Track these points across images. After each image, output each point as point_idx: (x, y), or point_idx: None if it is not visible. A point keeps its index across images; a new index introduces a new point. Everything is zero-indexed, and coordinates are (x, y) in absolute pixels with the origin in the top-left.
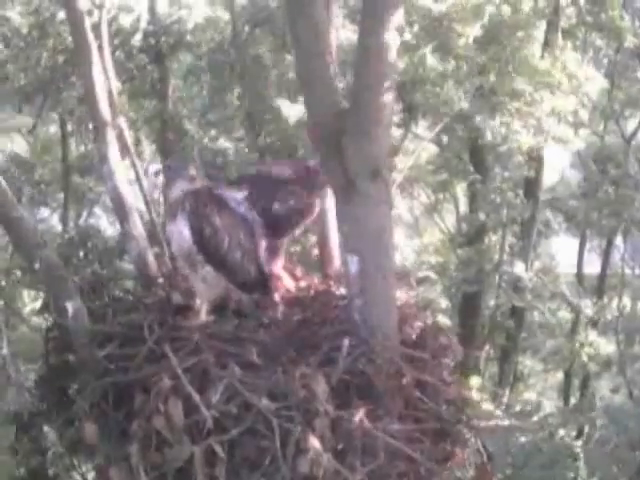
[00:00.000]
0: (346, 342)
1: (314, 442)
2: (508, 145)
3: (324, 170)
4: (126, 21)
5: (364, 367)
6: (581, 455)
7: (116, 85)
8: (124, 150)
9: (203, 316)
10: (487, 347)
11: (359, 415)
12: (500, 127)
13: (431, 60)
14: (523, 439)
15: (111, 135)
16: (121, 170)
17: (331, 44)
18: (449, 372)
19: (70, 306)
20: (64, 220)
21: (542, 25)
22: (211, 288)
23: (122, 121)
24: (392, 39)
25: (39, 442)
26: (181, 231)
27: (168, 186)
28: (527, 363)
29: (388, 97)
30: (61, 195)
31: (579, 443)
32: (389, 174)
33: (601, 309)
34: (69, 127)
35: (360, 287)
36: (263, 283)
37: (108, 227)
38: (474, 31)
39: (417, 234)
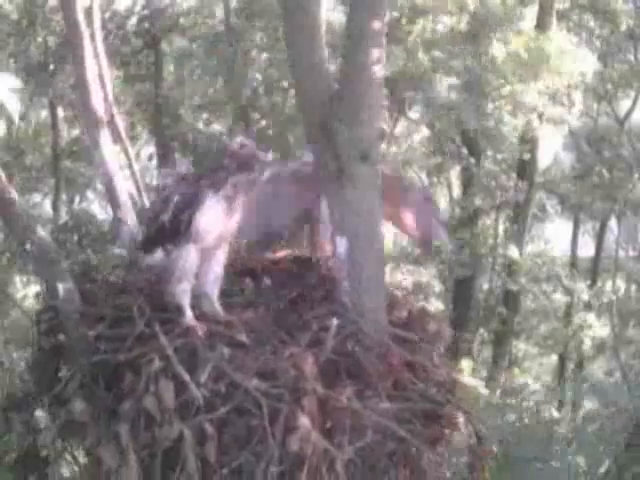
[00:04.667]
0: (334, 322)
1: (303, 420)
2: (500, 129)
3: (315, 155)
4: (121, 5)
5: (353, 347)
6: (569, 432)
7: (109, 70)
8: (116, 135)
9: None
10: (481, 331)
11: (347, 394)
12: (491, 112)
13: (420, 54)
14: (512, 417)
15: (103, 121)
16: (113, 156)
17: (322, 30)
18: (438, 355)
19: (61, 287)
20: (55, 205)
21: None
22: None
23: (114, 107)
24: (380, 25)
25: (31, 424)
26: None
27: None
28: (521, 347)
29: (377, 82)
30: (52, 180)
31: (567, 420)
32: (378, 158)
33: (596, 292)
34: (60, 112)
35: (349, 268)
36: None
37: (100, 211)
38: (460, 23)
39: None
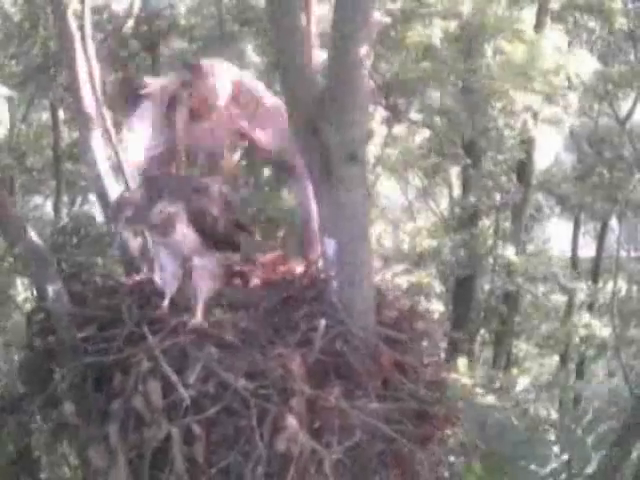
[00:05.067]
0: (322, 322)
1: (291, 420)
2: (499, 130)
3: (303, 155)
4: (118, 8)
5: (341, 347)
6: (556, 430)
7: (100, 73)
8: (107, 138)
9: (199, 315)
10: (482, 331)
11: (335, 394)
12: (489, 114)
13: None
14: (498, 415)
15: (94, 124)
16: (104, 159)
17: (311, 29)
18: (428, 354)
19: (50, 289)
20: (56, 207)
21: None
22: (211, 281)
23: (105, 110)
24: (367, 25)
25: (24, 425)
26: (185, 235)
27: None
28: (522, 347)
29: (364, 81)
30: (54, 182)
31: (554, 417)
32: (365, 158)
33: (595, 292)
34: (60, 114)
35: (337, 269)
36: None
37: (101, 214)
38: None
39: (411, 218)
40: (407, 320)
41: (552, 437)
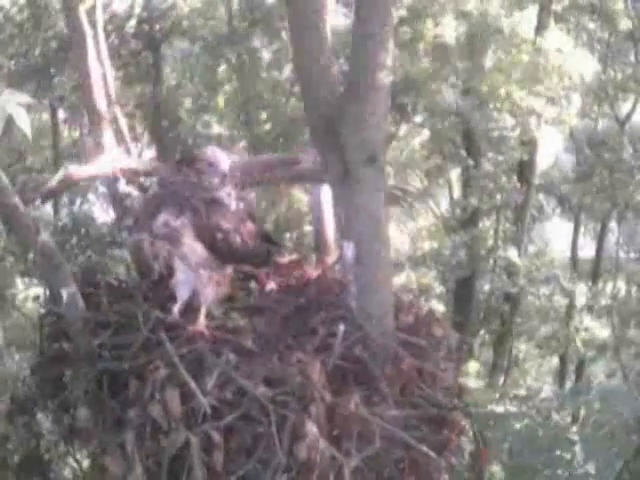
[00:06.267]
0: (342, 328)
1: (311, 428)
2: (499, 132)
3: (321, 157)
4: (120, 7)
5: (360, 353)
6: (577, 439)
7: (111, 72)
8: (119, 137)
9: (202, 320)
10: (482, 332)
11: (355, 401)
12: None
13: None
14: (519, 425)
15: (106, 122)
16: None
17: (327, 30)
18: (445, 359)
19: (65, 293)
20: (56, 207)
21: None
22: (215, 287)
23: (117, 108)
24: (387, 27)
25: (34, 428)
26: (192, 250)
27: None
28: (522, 348)
29: (385, 83)
30: None
31: (575, 428)
32: (384, 161)
33: (596, 293)
34: (60, 114)
35: (356, 273)
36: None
37: (101, 214)
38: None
39: (411, 219)
40: (424, 325)
41: (575, 445)
